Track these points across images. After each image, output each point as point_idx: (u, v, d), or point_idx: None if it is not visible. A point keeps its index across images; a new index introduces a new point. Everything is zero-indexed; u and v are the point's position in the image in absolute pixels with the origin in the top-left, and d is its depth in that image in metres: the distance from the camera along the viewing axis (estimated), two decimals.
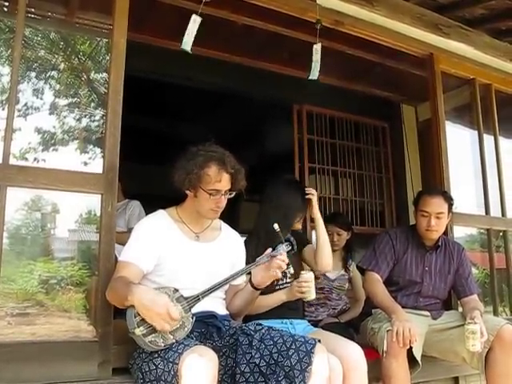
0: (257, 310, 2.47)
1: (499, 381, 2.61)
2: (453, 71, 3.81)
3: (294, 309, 2.59)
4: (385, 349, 2.50)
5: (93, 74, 3.38)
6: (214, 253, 2.28)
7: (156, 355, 1.93)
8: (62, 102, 3.52)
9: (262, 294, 2.42)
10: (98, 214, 2.35)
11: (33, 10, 2.58)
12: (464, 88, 4.03)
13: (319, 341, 2.01)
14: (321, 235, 2.67)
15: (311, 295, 2.45)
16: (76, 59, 3.24)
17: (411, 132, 5.34)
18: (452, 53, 3.74)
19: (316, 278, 2.64)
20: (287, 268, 2.37)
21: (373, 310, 2.91)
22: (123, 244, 2.25)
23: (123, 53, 2.47)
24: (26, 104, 3.45)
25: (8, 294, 3.22)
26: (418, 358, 2.58)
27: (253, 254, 2.42)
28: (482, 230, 4.43)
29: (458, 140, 4.14)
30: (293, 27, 3.50)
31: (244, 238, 2.59)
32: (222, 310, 2.26)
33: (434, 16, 3.53)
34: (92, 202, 2.44)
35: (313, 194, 2.72)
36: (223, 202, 2.22)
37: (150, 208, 2.57)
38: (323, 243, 2.65)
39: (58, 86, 3.41)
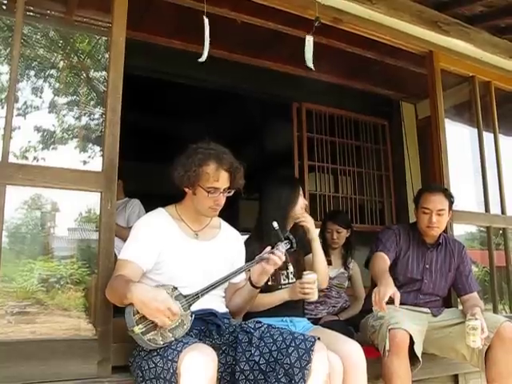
0: (259, 308, 2.47)
1: (499, 378, 2.61)
2: (452, 69, 3.80)
3: (294, 307, 2.58)
4: (387, 348, 2.50)
5: (92, 72, 3.38)
6: (214, 251, 2.28)
7: (155, 353, 1.93)
8: (62, 100, 3.52)
9: (264, 291, 2.42)
10: (98, 212, 2.34)
11: (31, 7, 2.58)
12: (463, 85, 4.03)
13: (319, 338, 2.01)
14: (316, 255, 2.65)
15: (314, 296, 2.44)
16: (75, 57, 3.24)
17: (411, 130, 5.34)
18: (451, 50, 3.73)
19: None
20: (286, 267, 2.37)
21: (373, 308, 2.91)
22: (123, 238, 2.25)
23: (122, 51, 2.46)
24: (25, 102, 3.45)
25: (8, 293, 3.22)
26: (419, 354, 2.58)
27: (254, 252, 2.41)
28: (481, 228, 4.43)
29: (458, 138, 4.14)
30: (292, 25, 3.49)
31: (245, 237, 2.58)
32: (221, 307, 2.26)
33: (433, 13, 3.53)
34: (91, 200, 2.44)
35: (306, 222, 2.67)
36: (222, 201, 2.22)
37: (149, 206, 2.57)
38: (318, 263, 2.63)
39: (57, 85, 3.41)
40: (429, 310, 2.95)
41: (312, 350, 1.92)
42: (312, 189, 4.97)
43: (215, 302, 2.21)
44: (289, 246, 2.28)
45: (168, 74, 4.22)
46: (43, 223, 4.50)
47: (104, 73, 2.90)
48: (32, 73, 3.27)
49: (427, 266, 2.97)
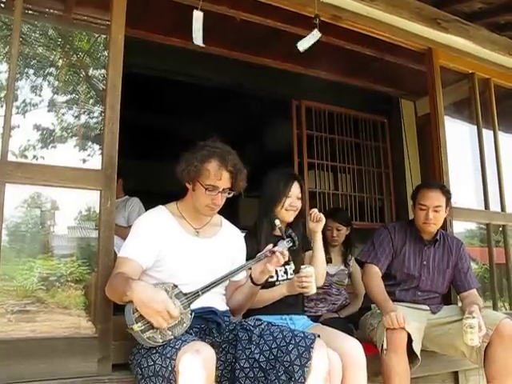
0: (258, 304, 2.46)
1: (498, 375, 2.61)
2: (452, 66, 3.80)
3: (293, 304, 2.59)
4: (385, 346, 2.51)
5: (91, 70, 3.37)
6: (214, 249, 2.28)
7: (154, 351, 1.93)
8: (61, 98, 3.51)
9: (263, 287, 2.42)
10: (98, 210, 2.34)
11: (30, 6, 2.56)
12: (463, 82, 4.03)
13: (318, 336, 2.01)
14: (317, 251, 2.65)
15: (312, 290, 2.43)
16: (74, 56, 3.23)
17: (410, 127, 5.34)
18: (451, 47, 3.73)
19: None
20: (288, 264, 2.37)
21: (372, 306, 2.92)
22: (123, 237, 2.25)
23: (121, 49, 2.46)
24: (24, 101, 3.44)
25: (8, 292, 3.21)
26: (418, 352, 2.59)
27: (253, 249, 2.41)
28: (481, 225, 4.44)
29: (457, 135, 4.13)
30: (291, 22, 3.49)
31: (243, 234, 2.58)
32: (221, 305, 2.26)
33: (432, 10, 3.52)
34: (91, 198, 2.44)
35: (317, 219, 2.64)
36: (220, 200, 2.21)
37: (149, 205, 2.57)
38: (317, 260, 2.64)
39: (56, 83, 3.40)
40: (428, 307, 2.95)
41: (312, 348, 1.92)
42: (312, 186, 4.98)
43: (215, 300, 2.21)
44: (291, 244, 2.28)
45: (167, 72, 4.22)
46: (43, 222, 4.50)
47: (103, 71, 2.89)
48: (31, 71, 3.26)
49: (424, 263, 2.97)
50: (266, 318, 2.26)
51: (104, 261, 2.25)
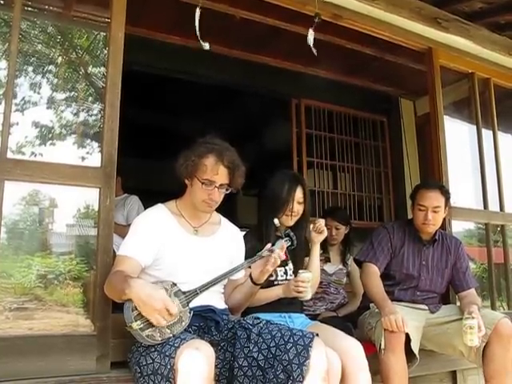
0: (253, 303, 2.46)
1: (497, 375, 2.61)
2: (451, 65, 3.80)
3: (292, 303, 2.58)
4: (382, 346, 2.51)
5: (91, 68, 3.36)
6: (213, 247, 2.28)
7: (153, 349, 1.93)
8: (60, 96, 3.51)
9: (262, 287, 2.42)
10: (96, 208, 2.34)
11: (29, 3, 2.56)
12: (463, 82, 4.03)
13: (317, 335, 2.01)
14: (313, 257, 2.63)
15: (307, 295, 2.43)
16: (74, 53, 3.22)
17: (410, 126, 5.34)
18: (451, 47, 3.73)
19: None
20: (287, 265, 2.37)
21: (370, 305, 2.92)
22: (122, 236, 2.25)
23: (121, 46, 2.45)
24: (23, 98, 3.44)
25: (6, 289, 3.22)
26: (416, 351, 2.59)
27: (254, 248, 2.41)
28: (480, 225, 4.44)
29: (457, 134, 4.14)
30: (292, 21, 3.49)
31: (243, 233, 2.58)
32: (220, 304, 2.26)
33: (432, 10, 3.52)
34: (90, 196, 2.44)
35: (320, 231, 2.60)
36: (217, 196, 2.20)
37: (148, 203, 2.57)
38: (311, 267, 2.61)
39: (55, 80, 3.39)
40: (426, 307, 2.95)
41: (310, 347, 1.93)
42: (311, 185, 4.97)
43: (214, 299, 2.21)
44: (289, 244, 2.28)
45: (166, 70, 4.22)
46: (41, 219, 4.50)
47: (103, 68, 2.89)
48: (30, 68, 3.26)
49: (423, 263, 2.97)
50: (265, 316, 2.27)
51: (103, 259, 2.25)
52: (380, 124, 5.49)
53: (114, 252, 2.32)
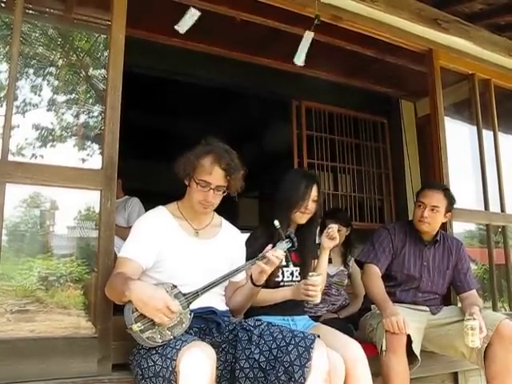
0: (259, 303, 2.45)
1: (498, 376, 2.61)
2: (452, 66, 3.80)
3: (296, 306, 2.58)
4: (384, 347, 2.51)
5: (91, 70, 3.36)
6: (214, 249, 2.28)
7: (154, 351, 1.93)
8: (61, 98, 3.51)
9: (268, 287, 2.42)
10: (97, 210, 2.34)
11: (30, 5, 2.56)
12: (463, 83, 4.03)
13: (318, 336, 2.01)
14: (321, 262, 2.63)
15: (316, 299, 2.40)
16: (74, 55, 3.23)
17: (410, 128, 5.34)
18: (451, 48, 3.74)
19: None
20: (287, 265, 2.36)
21: (372, 306, 2.92)
22: (123, 238, 2.25)
23: (122, 49, 2.46)
24: (24, 100, 3.44)
25: (7, 291, 3.21)
26: (417, 353, 2.59)
27: (258, 249, 2.40)
28: (481, 226, 4.44)
29: (457, 135, 4.14)
30: (292, 23, 3.49)
31: (246, 235, 2.57)
32: (221, 305, 2.26)
33: (432, 11, 3.52)
34: (91, 198, 2.44)
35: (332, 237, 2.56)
36: (211, 197, 2.18)
37: (149, 206, 2.57)
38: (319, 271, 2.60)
39: (56, 83, 3.40)
40: (427, 308, 2.95)
41: (312, 348, 1.92)
42: None
43: (215, 300, 2.21)
44: (290, 245, 2.27)
45: (167, 72, 4.22)
46: (42, 221, 4.50)
47: (103, 71, 2.89)
48: (31, 71, 3.26)
49: (425, 264, 2.97)
50: (267, 319, 2.26)
51: (104, 261, 2.25)
52: (380, 125, 5.49)
53: (115, 254, 2.32)
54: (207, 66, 4.07)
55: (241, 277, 2.36)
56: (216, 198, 2.21)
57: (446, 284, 3.04)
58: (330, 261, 3.69)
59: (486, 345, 2.62)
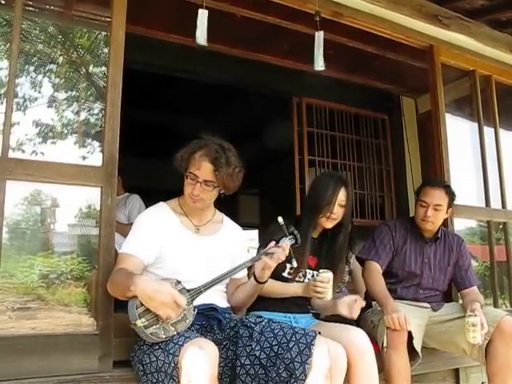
0: (268, 295, 2.45)
1: (499, 372, 2.61)
2: (453, 63, 3.79)
3: (301, 304, 2.58)
4: (385, 344, 2.51)
5: (92, 67, 3.36)
6: (215, 246, 2.28)
7: (156, 347, 1.93)
8: (61, 95, 3.50)
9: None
10: (98, 207, 2.34)
11: (30, 2, 2.56)
12: (464, 80, 4.02)
13: (319, 333, 2.01)
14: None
15: (327, 296, 2.38)
16: (74, 52, 3.22)
17: (411, 124, 5.33)
18: (452, 44, 3.72)
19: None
20: (290, 262, 2.36)
21: (373, 303, 2.92)
22: (124, 235, 2.25)
23: (122, 45, 2.46)
24: (24, 97, 3.43)
25: (8, 289, 3.22)
26: (419, 349, 2.59)
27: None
28: (482, 223, 4.43)
29: (458, 132, 4.13)
30: (292, 19, 3.48)
31: (249, 232, 2.57)
32: (222, 302, 2.26)
33: (433, 7, 3.51)
34: (91, 195, 2.43)
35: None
36: (199, 191, 2.16)
37: (149, 202, 2.57)
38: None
39: (56, 80, 3.39)
40: (429, 305, 2.95)
41: (313, 345, 1.93)
42: None
43: (216, 297, 2.22)
44: (293, 242, 2.27)
45: (167, 69, 4.21)
46: (43, 219, 4.50)
47: (104, 68, 2.88)
48: (31, 68, 3.25)
49: (426, 261, 2.97)
50: (269, 315, 2.27)
51: (105, 258, 2.25)
52: (381, 122, 5.48)
53: (116, 251, 2.32)
54: (207, 62, 4.06)
55: (242, 274, 2.36)
56: (205, 193, 2.18)
57: (447, 281, 3.04)
58: None
59: (487, 341, 2.62)
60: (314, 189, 2.64)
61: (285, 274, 2.50)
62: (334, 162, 5.16)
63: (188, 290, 2.03)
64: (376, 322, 2.71)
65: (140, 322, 1.90)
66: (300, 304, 2.57)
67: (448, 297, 3.17)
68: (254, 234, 7.21)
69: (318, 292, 2.37)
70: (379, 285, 2.78)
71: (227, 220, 2.44)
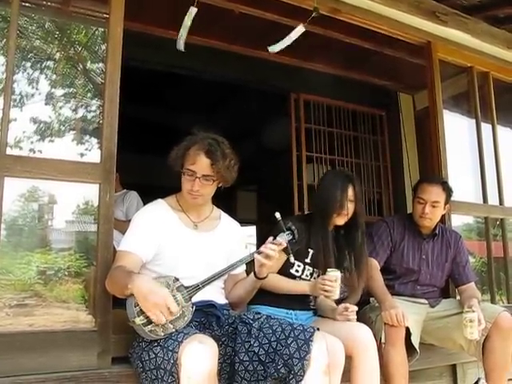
0: (276, 290, 2.46)
1: (496, 368, 2.63)
2: (450, 59, 3.79)
3: (304, 301, 2.59)
4: (383, 340, 2.52)
5: (89, 63, 3.35)
6: (213, 242, 2.28)
7: (155, 344, 1.93)
8: (58, 92, 3.50)
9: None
10: (96, 204, 2.34)
11: None
12: (462, 76, 4.02)
13: (318, 329, 2.01)
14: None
15: (334, 295, 2.38)
16: (72, 49, 3.21)
17: (408, 121, 5.33)
18: (450, 41, 3.72)
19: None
20: (288, 258, 2.36)
21: (370, 299, 2.92)
22: (122, 231, 2.25)
23: (120, 42, 2.45)
24: (21, 94, 3.42)
25: (6, 286, 3.21)
26: (416, 345, 2.60)
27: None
28: (479, 219, 4.44)
29: (456, 128, 4.13)
30: (290, 16, 3.47)
31: (246, 228, 2.58)
32: (220, 299, 2.26)
33: (431, 3, 3.51)
34: (89, 192, 2.43)
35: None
36: (198, 186, 2.16)
37: (147, 199, 2.57)
38: None
39: (54, 76, 3.38)
40: (426, 301, 2.97)
41: (311, 341, 1.93)
42: (310, 180, 4.97)
43: (215, 294, 2.22)
44: (291, 237, 2.27)
45: (165, 65, 4.20)
46: (41, 215, 4.50)
47: (101, 64, 2.88)
48: (28, 64, 3.24)
49: (423, 257, 2.98)
50: (269, 310, 2.27)
51: (103, 254, 2.25)
52: (379, 118, 5.47)
53: (114, 248, 2.32)
54: (205, 59, 4.06)
55: (240, 270, 2.36)
56: (204, 188, 2.19)
57: (445, 277, 3.05)
58: None
59: (484, 337, 2.63)
60: (323, 189, 2.65)
61: (292, 271, 2.51)
62: (332, 159, 5.16)
63: (186, 287, 2.03)
64: (374, 318, 2.72)
65: (138, 320, 1.90)
66: (302, 300, 2.57)
67: (446, 293, 3.18)
68: (251, 230, 7.24)
69: (325, 291, 2.37)
70: (377, 281, 2.79)
71: (225, 216, 2.44)
